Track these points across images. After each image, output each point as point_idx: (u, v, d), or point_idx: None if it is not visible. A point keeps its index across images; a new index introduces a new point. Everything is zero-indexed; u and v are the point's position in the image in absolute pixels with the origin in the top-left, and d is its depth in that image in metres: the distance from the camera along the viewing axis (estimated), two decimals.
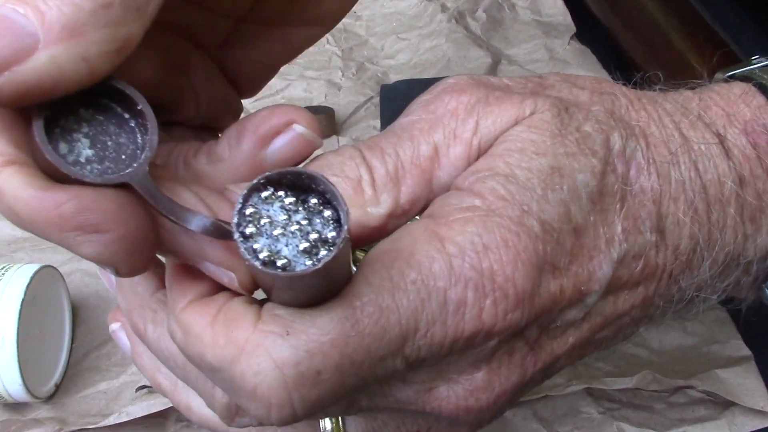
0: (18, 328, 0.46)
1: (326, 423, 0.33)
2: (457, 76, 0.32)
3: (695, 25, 0.64)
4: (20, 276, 0.48)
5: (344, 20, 0.43)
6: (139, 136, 0.25)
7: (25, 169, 0.24)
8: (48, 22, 0.22)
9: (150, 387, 0.48)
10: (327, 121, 0.65)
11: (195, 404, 0.34)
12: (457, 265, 0.27)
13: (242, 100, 0.38)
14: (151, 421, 0.48)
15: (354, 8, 0.39)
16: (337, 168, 0.29)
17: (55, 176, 0.24)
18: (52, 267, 0.52)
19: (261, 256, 0.23)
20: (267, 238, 0.24)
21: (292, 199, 0.24)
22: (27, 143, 0.24)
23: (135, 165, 0.24)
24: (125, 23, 0.23)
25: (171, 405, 0.45)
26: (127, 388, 0.50)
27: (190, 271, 0.28)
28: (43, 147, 0.23)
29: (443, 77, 0.70)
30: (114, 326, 0.36)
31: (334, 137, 0.66)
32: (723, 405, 0.47)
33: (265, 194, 0.24)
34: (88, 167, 0.24)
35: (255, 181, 0.24)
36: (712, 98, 0.34)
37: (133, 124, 0.25)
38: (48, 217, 0.23)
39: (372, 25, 0.77)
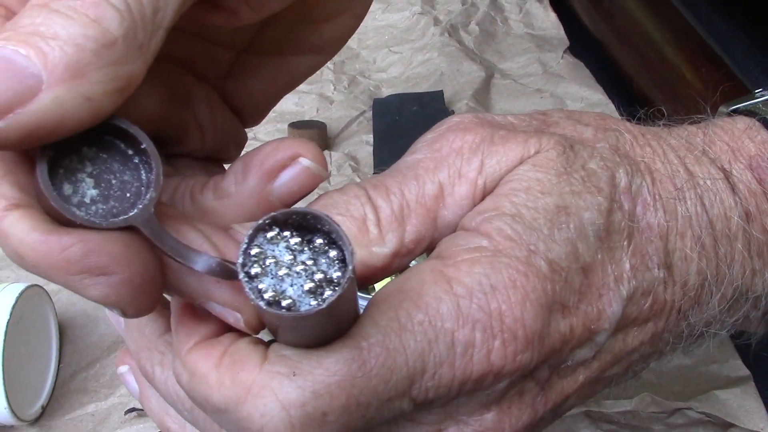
0: (3, 348, 0.46)
1: None
2: (461, 115, 0.32)
3: (688, 38, 0.64)
4: (6, 295, 0.48)
5: None
6: (143, 172, 0.25)
7: (29, 212, 0.24)
8: (51, 63, 0.22)
9: (140, 410, 0.47)
10: (319, 135, 0.66)
11: None
12: (465, 306, 0.27)
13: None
14: None
15: None
16: (342, 207, 0.30)
17: (60, 219, 0.23)
18: (39, 286, 0.51)
19: (266, 296, 0.24)
20: (272, 278, 0.24)
21: (297, 239, 0.24)
22: (31, 185, 0.24)
23: (140, 206, 0.24)
24: (128, 62, 0.23)
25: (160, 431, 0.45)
26: (116, 411, 0.50)
27: (196, 312, 0.28)
28: (48, 192, 0.23)
29: (436, 91, 0.70)
30: (122, 369, 0.36)
31: (326, 152, 0.67)
32: (722, 426, 0.47)
33: (270, 234, 0.24)
34: (93, 207, 0.24)
35: (260, 222, 0.24)
36: (716, 133, 0.34)
37: (136, 161, 0.25)
38: (54, 261, 0.23)
39: (364, 38, 0.78)
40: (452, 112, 0.68)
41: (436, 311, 0.28)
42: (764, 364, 0.42)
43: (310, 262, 0.24)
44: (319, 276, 0.24)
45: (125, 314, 0.25)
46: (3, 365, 0.46)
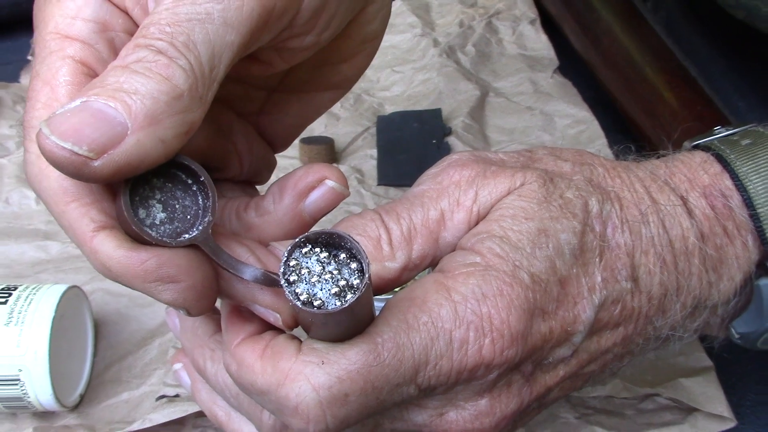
0: (49, 342, 0.49)
1: None
2: (459, 153, 0.37)
3: (667, 60, 0.68)
4: (50, 295, 0.51)
5: None
6: (200, 198, 0.30)
7: (113, 233, 0.29)
8: (134, 113, 0.26)
9: (169, 396, 0.52)
10: (327, 150, 0.68)
11: (246, 431, 0.38)
12: (461, 311, 0.32)
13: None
14: (170, 428, 0.51)
15: None
16: (361, 229, 0.34)
17: (138, 238, 0.28)
18: (77, 287, 0.55)
19: (301, 298, 0.29)
20: (306, 284, 0.29)
21: (325, 254, 0.29)
22: (113, 210, 0.29)
23: (200, 227, 0.29)
24: (192, 110, 0.28)
25: (189, 413, 0.49)
26: (147, 398, 0.53)
27: (242, 313, 0.33)
28: (129, 217, 0.28)
29: (434, 109, 0.73)
30: (176, 366, 0.41)
31: (334, 165, 0.70)
32: (687, 411, 0.49)
33: (304, 250, 0.29)
34: (162, 228, 0.29)
35: (297, 240, 0.29)
36: (676, 166, 0.38)
37: (195, 189, 0.30)
38: (134, 272, 0.28)
39: None
40: (449, 129, 0.70)
41: (437, 314, 0.32)
42: (725, 355, 0.46)
43: (335, 272, 0.29)
44: (342, 282, 0.29)
45: (189, 313, 0.30)
46: (49, 357, 0.49)
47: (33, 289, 0.52)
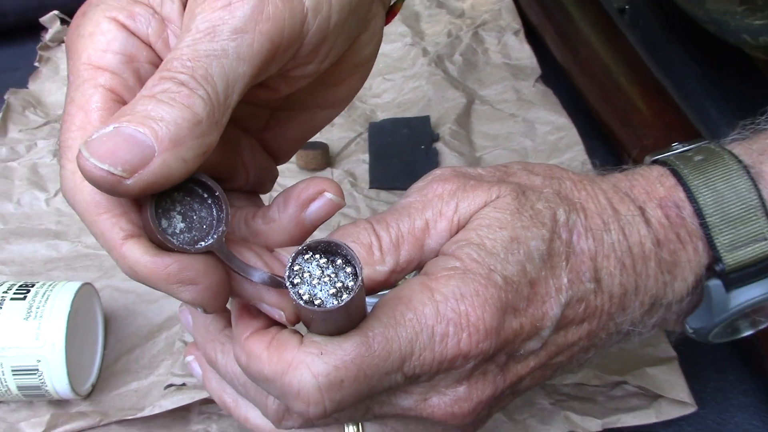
0: (66, 335, 0.51)
1: (350, 429, 0.40)
2: (443, 168, 0.40)
3: (641, 72, 0.71)
4: (66, 292, 0.54)
5: None
6: (214, 210, 0.33)
7: (140, 240, 0.32)
8: (160, 138, 0.29)
9: (176, 385, 0.55)
10: (322, 155, 0.71)
11: (252, 416, 0.42)
12: (442, 309, 0.35)
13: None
14: (177, 414, 0.54)
15: None
16: (355, 236, 0.38)
17: (161, 245, 0.32)
18: (90, 284, 0.58)
19: (304, 298, 0.32)
20: (308, 286, 0.32)
21: (324, 260, 0.33)
22: (139, 221, 0.32)
23: (215, 236, 0.33)
24: (209, 134, 0.31)
25: (195, 400, 0.52)
26: (156, 387, 0.55)
27: (251, 310, 0.37)
28: (155, 227, 0.31)
29: (423, 116, 0.76)
30: (189, 358, 0.44)
31: (328, 169, 0.72)
32: (652, 397, 0.52)
33: (306, 256, 0.33)
34: (182, 236, 0.32)
35: (299, 248, 0.32)
36: (636, 179, 0.41)
37: (210, 202, 0.33)
38: (159, 275, 0.31)
39: None
40: (437, 135, 0.73)
41: (421, 312, 0.35)
42: (687, 347, 0.48)
43: (333, 275, 0.32)
44: (339, 284, 0.32)
45: (205, 311, 0.34)
46: (65, 349, 0.51)
47: (49, 285, 0.55)
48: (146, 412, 0.52)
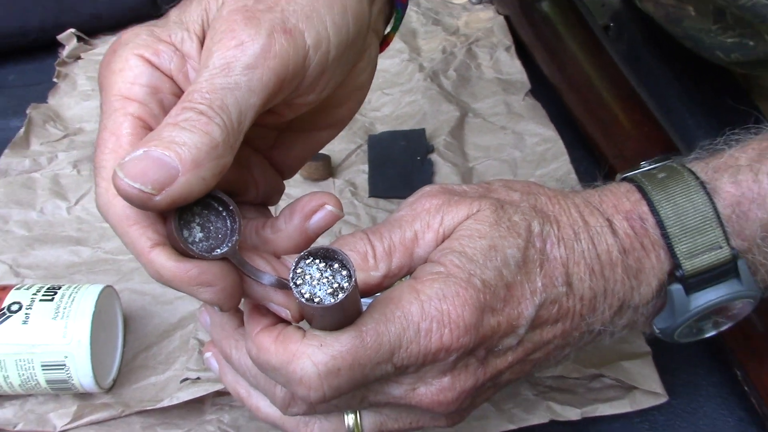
0: (91, 334, 0.55)
1: (349, 417, 0.43)
2: (431, 186, 0.43)
3: (623, 87, 0.74)
4: (90, 293, 0.57)
5: None
6: (228, 221, 0.37)
7: (165, 248, 0.35)
8: (183, 160, 0.33)
9: (192, 379, 0.58)
10: (324, 165, 0.74)
11: (263, 405, 0.45)
12: (427, 307, 0.37)
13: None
14: (192, 406, 0.56)
15: None
16: (352, 245, 0.40)
17: (183, 253, 0.36)
18: (111, 287, 0.61)
19: (305, 296, 0.35)
20: (309, 286, 0.35)
21: (323, 264, 0.36)
22: (164, 231, 0.36)
23: (229, 245, 0.36)
24: (225, 156, 0.34)
25: (209, 392, 0.56)
26: (172, 381, 0.58)
27: (260, 309, 0.39)
28: (178, 237, 0.35)
29: (419, 129, 0.79)
30: (207, 354, 0.48)
31: (330, 179, 0.75)
32: (627, 389, 0.55)
33: (307, 261, 0.36)
34: (200, 245, 0.36)
35: (302, 254, 0.35)
36: (606, 194, 0.43)
37: (225, 214, 0.37)
38: (181, 278, 0.35)
39: None
40: (432, 147, 0.76)
41: (408, 310, 0.37)
42: (660, 343, 0.48)
43: (330, 277, 0.35)
44: (336, 285, 0.35)
45: (221, 309, 0.37)
46: (90, 346, 0.54)
47: (74, 288, 0.58)
48: (164, 403, 0.55)
